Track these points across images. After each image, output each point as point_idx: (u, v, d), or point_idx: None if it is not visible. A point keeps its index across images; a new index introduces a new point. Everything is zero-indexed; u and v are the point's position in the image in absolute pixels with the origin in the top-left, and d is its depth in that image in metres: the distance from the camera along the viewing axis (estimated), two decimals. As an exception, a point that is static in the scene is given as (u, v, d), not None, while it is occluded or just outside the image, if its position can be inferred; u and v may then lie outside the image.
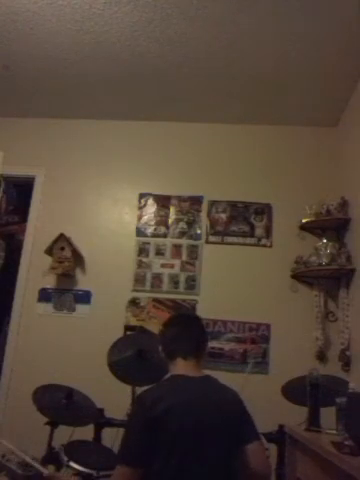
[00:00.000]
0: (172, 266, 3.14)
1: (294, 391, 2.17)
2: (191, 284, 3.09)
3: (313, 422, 1.80)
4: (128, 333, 2.81)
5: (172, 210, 3.28)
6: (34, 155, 3.46)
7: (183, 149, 3.41)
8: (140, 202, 3.32)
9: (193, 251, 3.17)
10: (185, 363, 1.54)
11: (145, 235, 3.24)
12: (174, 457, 1.34)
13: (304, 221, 3.05)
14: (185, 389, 1.45)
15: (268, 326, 2.96)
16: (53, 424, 2.03)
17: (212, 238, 3.20)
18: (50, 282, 3.17)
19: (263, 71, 2.82)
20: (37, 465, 1.61)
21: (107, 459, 1.94)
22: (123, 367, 2.16)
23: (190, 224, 3.24)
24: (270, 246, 3.14)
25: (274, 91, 3.01)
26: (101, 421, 2.27)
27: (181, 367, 1.53)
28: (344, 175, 3.03)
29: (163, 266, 3.14)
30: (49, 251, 3.11)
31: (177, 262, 3.14)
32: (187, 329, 1.65)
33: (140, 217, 3.29)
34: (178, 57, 2.75)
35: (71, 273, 3.12)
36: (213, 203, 3.27)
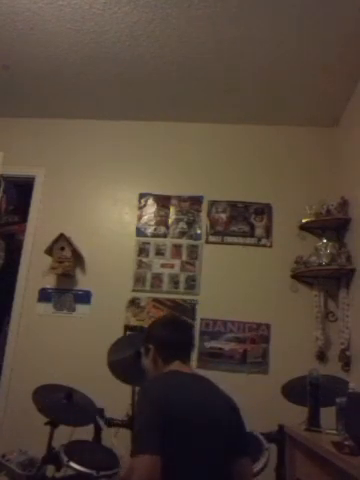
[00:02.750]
0: (172, 266, 3.13)
1: (294, 391, 2.17)
2: (191, 284, 3.09)
3: (313, 422, 1.80)
4: (128, 333, 2.81)
5: (172, 210, 3.28)
6: (34, 155, 3.46)
7: (183, 149, 3.40)
8: (140, 202, 3.32)
9: (193, 251, 3.16)
10: (182, 366, 1.55)
11: (145, 235, 3.24)
12: (182, 450, 1.31)
13: (304, 221, 3.05)
14: (187, 386, 1.45)
15: (268, 326, 2.96)
16: (53, 424, 2.03)
17: (212, 238, 3.20)
18: (50, 282, 3.17)
19: (263, 71, 2.82)
20: None
21: (107, 459, 1.93)
22: (123, 367, 2.16)
23: (190, 224, 3.24)
24: (270, 246, 3.14)
25: (274, 91, 3.01)
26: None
27: (178, 368, 1.54)
28: (344, 175, 3.04)
29: (163, 266, 3.14)
30: (49, 251, 3.11)
31: (177, 262, 3.14)
32: (185, 336, 1.68)
33: (140, 217, 3.29)
34: (178, 57, 2.75)
35: (71, 273, 3.12)
36: (213, 203, 3.27)
